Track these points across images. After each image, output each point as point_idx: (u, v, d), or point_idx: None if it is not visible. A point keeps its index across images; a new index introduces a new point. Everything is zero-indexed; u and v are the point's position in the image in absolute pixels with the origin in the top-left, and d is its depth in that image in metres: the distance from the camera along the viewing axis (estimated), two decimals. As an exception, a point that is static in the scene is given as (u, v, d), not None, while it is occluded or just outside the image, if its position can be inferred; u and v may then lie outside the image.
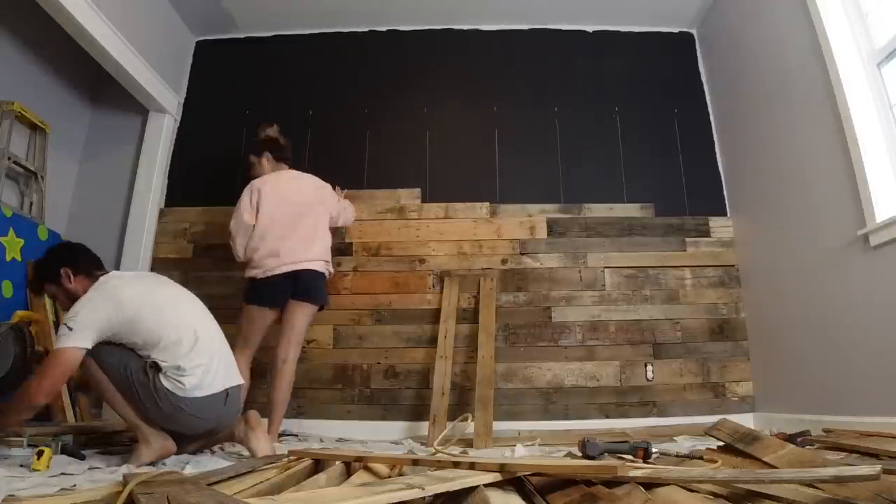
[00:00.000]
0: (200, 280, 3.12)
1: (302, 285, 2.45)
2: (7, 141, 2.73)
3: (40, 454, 1.53)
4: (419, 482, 0.92)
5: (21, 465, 1.56)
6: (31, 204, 2.95)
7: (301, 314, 2.47)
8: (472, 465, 1.09)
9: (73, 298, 1.80)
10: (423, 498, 0.89)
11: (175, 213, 3.28)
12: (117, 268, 3.15)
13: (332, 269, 2.64)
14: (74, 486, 1.33)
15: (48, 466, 1.52)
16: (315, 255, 2.50)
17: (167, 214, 3.28)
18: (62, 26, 2.56)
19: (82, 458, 1.78)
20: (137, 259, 3.12)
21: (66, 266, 1.89)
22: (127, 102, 3.30)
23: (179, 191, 3.34)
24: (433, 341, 2.94)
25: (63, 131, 3.22)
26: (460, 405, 2.88)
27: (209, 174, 3.36)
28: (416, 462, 1.31)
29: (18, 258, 2.69)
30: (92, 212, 3.31)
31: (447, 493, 0.94)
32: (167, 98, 3.31)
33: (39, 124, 2.97)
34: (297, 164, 3.30)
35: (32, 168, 2.93)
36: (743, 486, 0.93)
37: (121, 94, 3.21)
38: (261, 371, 2.98)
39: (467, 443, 2.54)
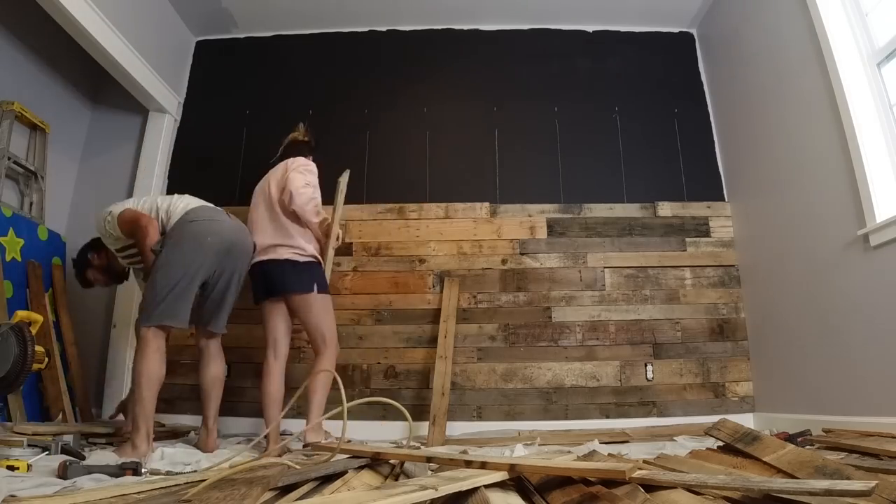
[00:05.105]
0: (200, 280, 3.13)
1: (270, 280, 2.37)
2: (7, 141, 2.73)
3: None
4: (432, 483, 0.92)
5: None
6: (31, 204, 2.95)
7: (296, 308, 2.36)
8: (483, 465, 1.09)
9: None
10: (425, 496, 0.90)
11: (175, 213, 3.28)
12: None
13: (306, 253, 2.39)
14: (75, 482, 1.33)
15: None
16: (271, 243, 2.38)
17: (167, 214, 3.28)
18: (62, 26, 2.56)
19: (82, 458, 1.78)
20: (137, 259, 3.12)
21: None
22: (127, 102, 3.30)
23: (179, 191, 3.30)
24: (433, 341, 2.95)
25: (63, 131, 3.22)
26: (460, 405, 2.89)
27: (209, 174, 3.36)
28: (429, 459, 1.32)
29: (18, 258, 2.69)
30: (92, 212, 3.28)
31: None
32: (167, 98, 3.31)
33: (39, 124, 2.97)
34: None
35: (32, 168, 2.93)
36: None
37: (121, 94, 3.21)
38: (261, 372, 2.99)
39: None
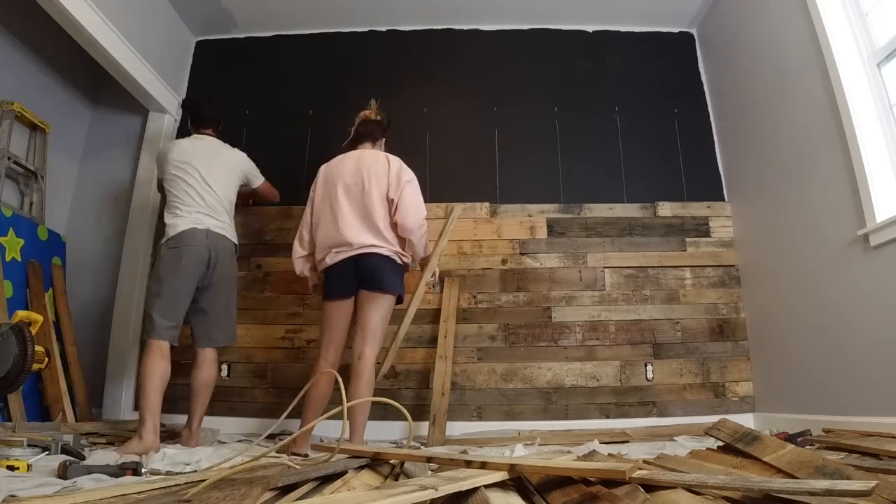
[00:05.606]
0: (200, 280, 3.12)
1: (366, 272, 2.24)
2: (7, 141, 2.73)
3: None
4: (432, 483, 0.92)
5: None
6: (31, 204, 2.95)
7: (369, 306, 2.24)
8: (483, 465, 1.09)
9: None
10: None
11: (175, 213, 3.27)
12: (116, 270, 3.15)
13: (404, 258, 2.35)
14: (75, 482, 1.33)
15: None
16: (367, 242, 2.25)
17: (167, 214, 3.27)
18: (62, 26, 2.56)
19: (82, 458, 1.78)
20: (138, 259, 3.12)
21: None
22: (127, 102, 3.30)
23: (179, 191, 3.33)
24: (433, 341, 2.95)
25: (63, 131, 3.22)
26: (460, 405, 2.89)
27: (209, 174, 3.35)
28: (429, 459, 1.32)
29: (18, 258, 2.69)
30: (92, 212, 3.31)
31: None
32: (167, 98, 3.31)
33: (39, 124, 2.97)
34: (298, 166, 3.31)
35: (32, 168, 2.93)
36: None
37: (121, 94, 3.21)
38: (261, 372, 2.99)
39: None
